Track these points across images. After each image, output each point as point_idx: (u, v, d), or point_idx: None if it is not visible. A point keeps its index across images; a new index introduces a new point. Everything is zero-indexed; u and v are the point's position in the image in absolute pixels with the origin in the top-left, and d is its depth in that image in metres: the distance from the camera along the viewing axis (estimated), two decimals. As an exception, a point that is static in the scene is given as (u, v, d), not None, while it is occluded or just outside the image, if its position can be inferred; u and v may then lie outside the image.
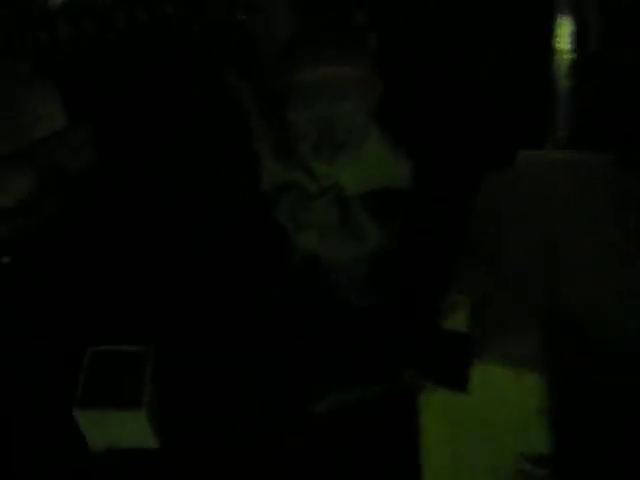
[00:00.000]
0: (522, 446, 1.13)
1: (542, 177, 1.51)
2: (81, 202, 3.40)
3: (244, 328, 2.09)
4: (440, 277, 1.53)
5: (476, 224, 1.41)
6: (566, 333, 1.07)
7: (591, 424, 1.07)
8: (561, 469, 1.10)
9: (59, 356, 1.95)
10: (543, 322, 1.11)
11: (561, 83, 2.45)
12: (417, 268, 1.97)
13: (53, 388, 1.81)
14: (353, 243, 2.00)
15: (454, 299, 1.17)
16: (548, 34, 2.65)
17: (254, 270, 2.26)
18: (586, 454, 1.08)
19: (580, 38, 2.69)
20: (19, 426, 1.89)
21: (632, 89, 2.37)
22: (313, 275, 2.11)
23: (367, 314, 2.03)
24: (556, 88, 2.44)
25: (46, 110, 3.67)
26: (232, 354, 1.92)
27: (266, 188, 2.02)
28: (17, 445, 1.84)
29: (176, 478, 1.72)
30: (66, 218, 3.26)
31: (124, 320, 2.03)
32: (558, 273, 1.18)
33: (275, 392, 1.83)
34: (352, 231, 1.98)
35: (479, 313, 1.13)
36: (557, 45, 2.64)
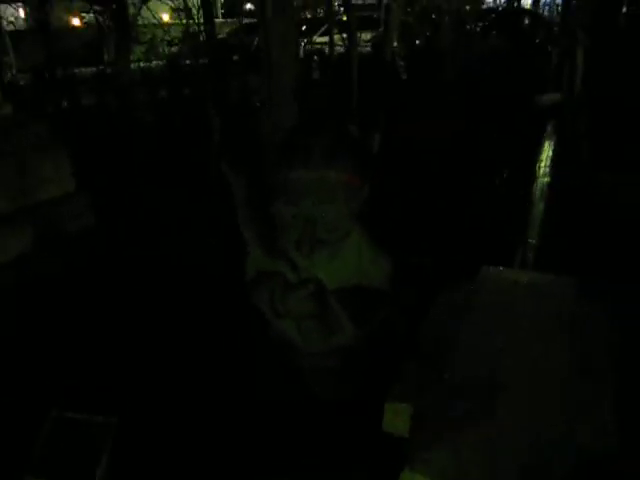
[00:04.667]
0: None
1: (500, 295, 1.60)
2: (74, 264, 3.50)
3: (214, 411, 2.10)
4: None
5: (430, 333, 1.47)
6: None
7: None
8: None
9: (23, 416, 1.97)
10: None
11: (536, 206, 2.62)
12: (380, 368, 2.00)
13: (11, 450, 1.81)
14: (327, 335, 2.06)
15: (397, 406, 1.21)
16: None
17: (229, 351, 2.31)
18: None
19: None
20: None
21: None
22: (287, 360, 2.16)
23: (335, 408, 2.05)
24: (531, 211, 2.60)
25: (56, 175, 3.84)
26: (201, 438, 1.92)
27: (248, 273, 2.12)
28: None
29: None
30: (57, 279, 3.34)
31: (95, 387, 2.06)
32: (496, 395, 1.23)
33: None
34: (327, 323, 2.05)
35: (419, 422, 1.18)
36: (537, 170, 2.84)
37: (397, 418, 1.20)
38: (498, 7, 17.61)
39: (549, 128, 3.55)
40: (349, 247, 1.94)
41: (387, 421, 1.21)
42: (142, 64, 9.60)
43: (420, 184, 3.28)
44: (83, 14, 14.64)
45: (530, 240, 2.43)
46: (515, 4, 16.28)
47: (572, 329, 1.44)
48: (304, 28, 14.69)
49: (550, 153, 3.06)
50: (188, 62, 9.13)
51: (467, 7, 10.44)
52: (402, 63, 7.81)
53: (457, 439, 1.12)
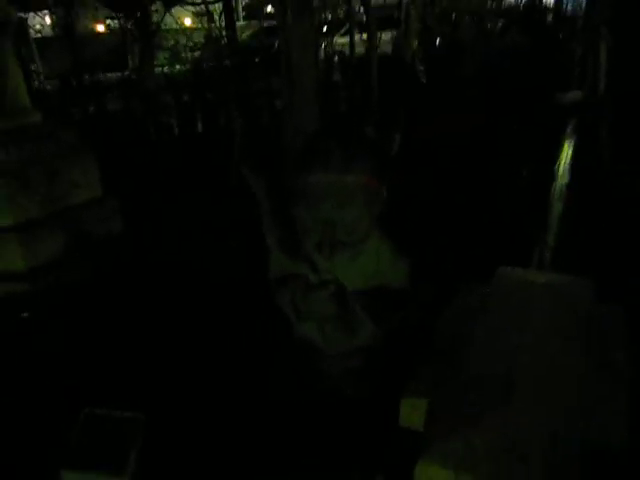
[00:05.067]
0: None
1: (516, 295, 1.63)
2: (103, 268, 3.60)
3: (240, 409, 2.17)
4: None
5: (445, 331, 1.51)
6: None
7: None
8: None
9: (56, 413, 2.06)
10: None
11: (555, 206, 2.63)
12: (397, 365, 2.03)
13: (47, 444, 1.90)
14: (348, 336, 2.10)
15: (414, 401, 1.26)
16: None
17: (253, 349, 2.37)
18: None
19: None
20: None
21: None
22: (310, 362, 2.21)
23: (356, 405, 2.09)
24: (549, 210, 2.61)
25: (84, 180, 3.95)
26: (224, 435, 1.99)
27: (271, 275, 2.17)
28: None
29: None
30: (87, 281, 3.44)
31: (124, 384, 2.15)
32: (511, 390, 1.27)
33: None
34: (347, 324, 2.09)
35: (434, 415, 1.22)
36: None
37: (413, 413, 1.25)
38: (520, 4, 17.39)
39: (570, 127, 3.54)
40: (369, 249, 1.98)
41: (404, 416, 1.26)
42: (166, 69, 9.75)
43: (439, 180, 3.32)
44: (108, 21, 14.91)
45: (548, 239, 2.45)
46: (537, 1, 16.06)
47: (588, 327, 1.46)
48: (325, 29, 14.72)
49: (570, 152, 3.06)
50: (211, 65, 9.24)
51: (487, 5, 10.38)
52: (422, 68, 7.79)
53: (472, 432, 1.16)
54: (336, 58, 10.72)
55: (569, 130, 3.48)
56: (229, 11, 8.56)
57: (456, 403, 1.27)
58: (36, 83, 10.96)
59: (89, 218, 3.85)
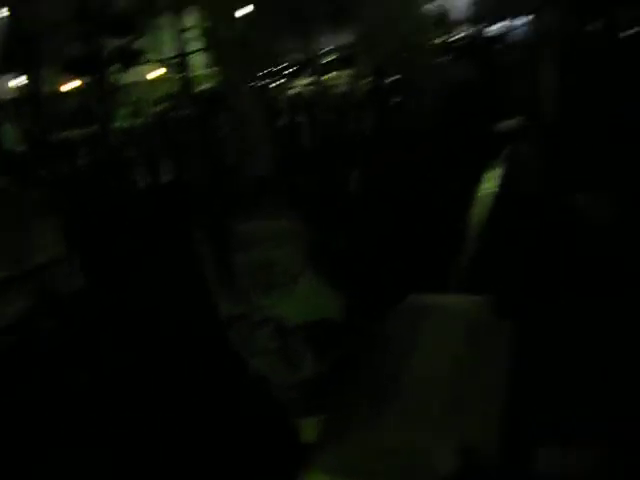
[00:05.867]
0: None
1: (414, 318, 1.84)
2: (69, 324, 3.73)
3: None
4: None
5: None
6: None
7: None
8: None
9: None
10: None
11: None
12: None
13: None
14: (291, 370, 2.28)
15: (310, 420, 1.43)
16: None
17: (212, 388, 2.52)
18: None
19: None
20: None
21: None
22: (264, 395, 2.37)
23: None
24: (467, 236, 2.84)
25: (49, 240, 4.09)
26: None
27: (222, 318, 2.35)
28: None
29: None
30: (54, 338, 3.57)
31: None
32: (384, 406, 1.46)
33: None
34: (290, 358, 2.26)
35: (322, 430, 1.41)
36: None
37: (308, 429, 1.43)
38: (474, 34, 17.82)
39: (501, 156, 3.79)
40: (303, 287, 2.17)
41: (303, 433, 1.45)
42: (128, 124, 9.99)
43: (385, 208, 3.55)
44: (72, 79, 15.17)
45: (463, 261, 2.66)
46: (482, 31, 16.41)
47: (472, 345, 1.65)
48: (288, 71, 15.20)
49: (493, 181, 3.31)
50: (172, 117, 9.53)
51: (430, 40, 10.68)
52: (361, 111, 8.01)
53: (348, 443, 1.34)
54: (293, 101, 11.06)
55: (500, 158, 3.74)
56: (184, 66, 8.89)
57: (339, 418, 1.45)
58: (5, 145, 11.13)
59: (53, 277, 3.98)
